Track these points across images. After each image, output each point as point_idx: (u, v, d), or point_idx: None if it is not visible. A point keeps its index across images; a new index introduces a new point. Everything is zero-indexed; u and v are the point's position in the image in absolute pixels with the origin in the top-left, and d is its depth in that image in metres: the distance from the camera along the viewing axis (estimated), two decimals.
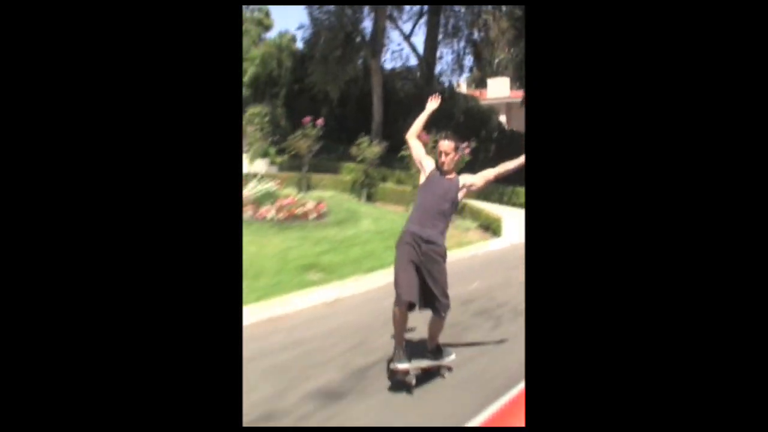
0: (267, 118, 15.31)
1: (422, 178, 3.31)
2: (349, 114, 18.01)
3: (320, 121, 10.48)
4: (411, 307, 3.07)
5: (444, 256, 3.16)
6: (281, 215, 7.77)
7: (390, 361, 3.09)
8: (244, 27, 23.07)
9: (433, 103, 3.45)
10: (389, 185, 11.49)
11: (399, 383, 3.09)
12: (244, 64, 21.76)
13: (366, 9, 15.78)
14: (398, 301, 3.01)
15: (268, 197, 8.25)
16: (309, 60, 16.22)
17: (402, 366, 2.97)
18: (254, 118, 15.40)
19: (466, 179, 3.29)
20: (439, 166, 3.26)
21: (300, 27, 23.60)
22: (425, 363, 3.23)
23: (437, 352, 3.31)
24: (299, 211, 8.01)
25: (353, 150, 11.01)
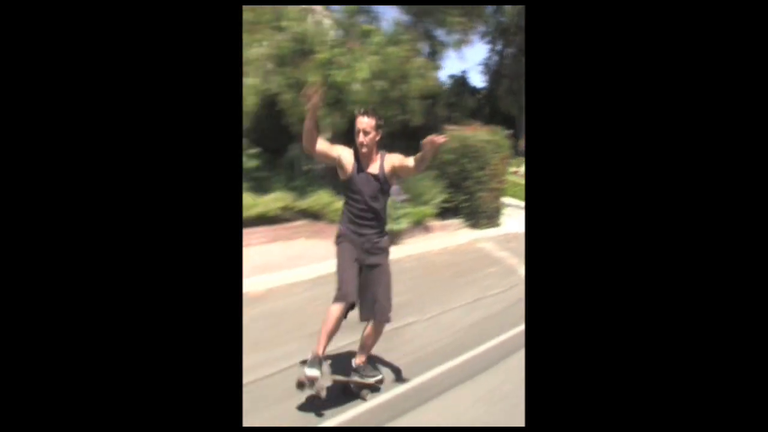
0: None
1: (342, 174, 2.69)
2: (495, 123, 27.76)
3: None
4: (350, 309, 2.61)
5: (387, 253, 2.77)
6: None
7: (302, 363, 2.51)
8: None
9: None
10: None
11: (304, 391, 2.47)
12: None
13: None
14: (341, 297, 2.54)
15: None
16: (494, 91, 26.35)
17: (312, 373, 2.42)
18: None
19: (394, 159, 2.67)
20: (357, 150, 2.64)
21: (479, 64, 33.36)
22: (347, 379, 2.75)
23: (365, 369, 2.81)
24: None
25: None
